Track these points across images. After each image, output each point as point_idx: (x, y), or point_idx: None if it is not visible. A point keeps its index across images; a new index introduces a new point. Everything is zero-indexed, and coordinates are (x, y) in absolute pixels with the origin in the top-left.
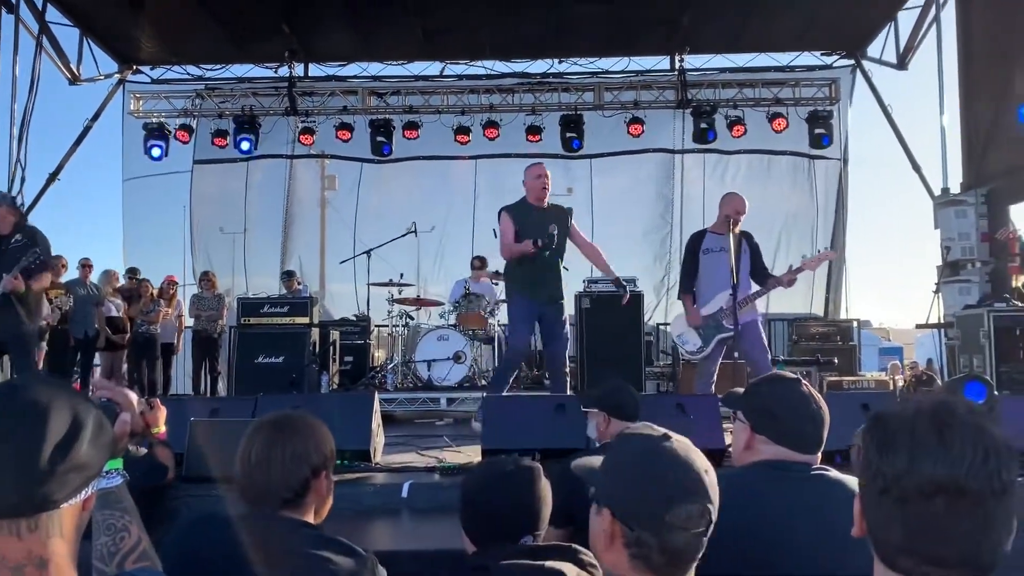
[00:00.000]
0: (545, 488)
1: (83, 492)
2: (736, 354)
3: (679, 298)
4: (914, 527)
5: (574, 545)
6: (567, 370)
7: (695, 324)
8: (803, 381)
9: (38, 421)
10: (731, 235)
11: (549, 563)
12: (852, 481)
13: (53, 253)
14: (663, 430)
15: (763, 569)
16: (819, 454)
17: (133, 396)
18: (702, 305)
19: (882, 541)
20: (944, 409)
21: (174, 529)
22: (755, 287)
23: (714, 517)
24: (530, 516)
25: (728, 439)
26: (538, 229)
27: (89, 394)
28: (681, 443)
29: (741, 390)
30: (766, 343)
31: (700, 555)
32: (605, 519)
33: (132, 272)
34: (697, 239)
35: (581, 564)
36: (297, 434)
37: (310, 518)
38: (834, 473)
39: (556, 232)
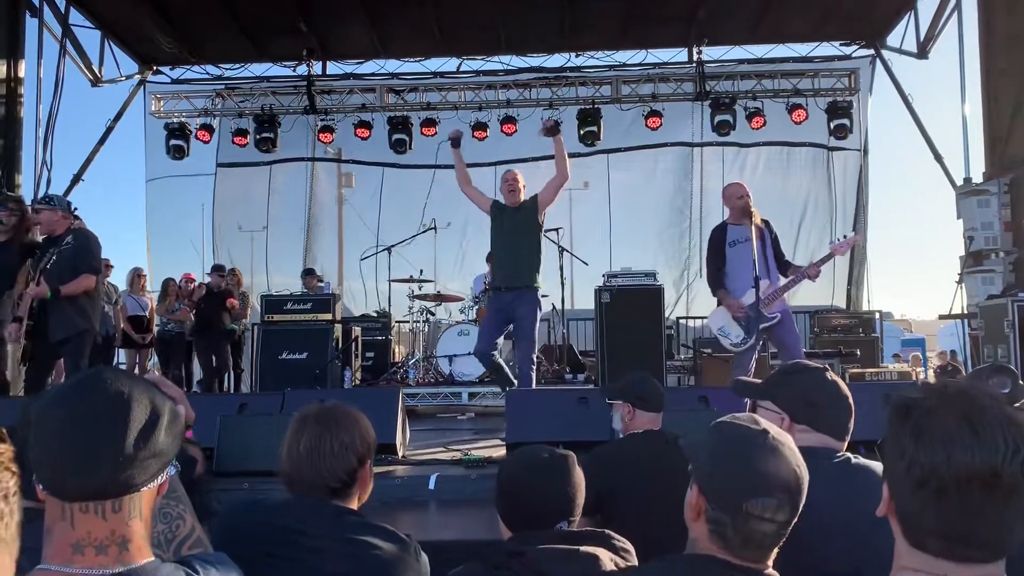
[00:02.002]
0: (579, 476)
1: (160, 477)
2: (764, 345)
3: (715, 294)
4: (949, 514)
5: (607, 531)
6: (531, 357)
7: (740, 314)
8: (828, 369)
9: (122, 410)
10: (751, 225)
11: (584, 548)
12: (876, 466)
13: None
14: (766, 425)
15: (808, 552)
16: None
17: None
18: (739, 295)
19: (913, 525)
20: (972, 399)
21: (222, 514)
22: (782, 278)
23: (795, 514)
24: (565, 503)
25: None
26: (511, 229)
27: None
28: (779, 440)
29: (757, 380)
30: (800, 336)
31: (778, 545)
32: (694, 493)
33: (218, 269)
34: (720, 232)
35: (614, 549)
36: (343, 425)
37: (354, 505)
38: (859, 459)
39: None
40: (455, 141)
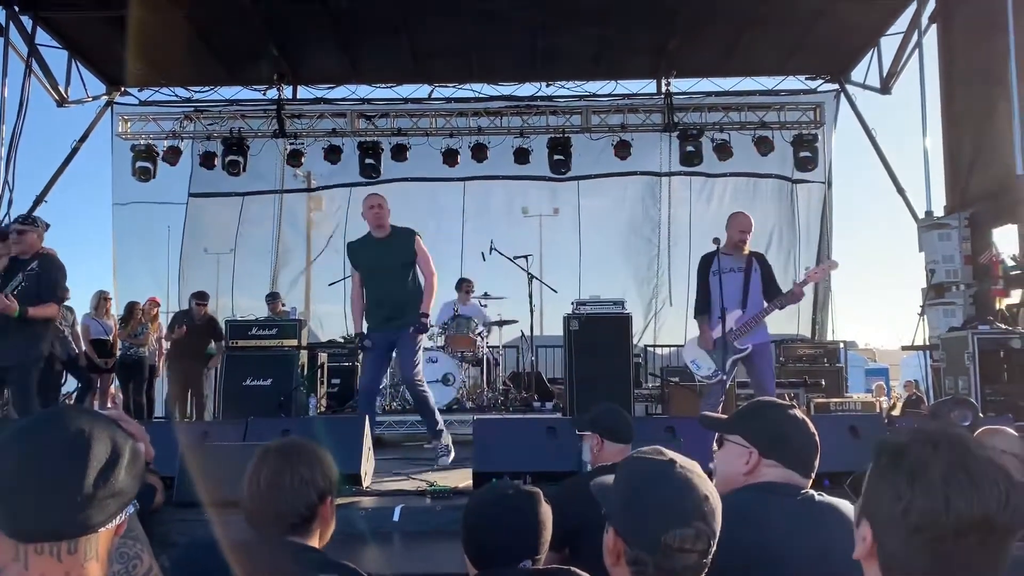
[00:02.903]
0: (546, 512)
1: (118, 517)
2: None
3: (695, 318)
4: (943, 562)
5: (573, 568)
6: (421, 390)
7: (707, 347)
8: (795, 406)
9: (82, 448)
10: (739, 258)
11: None
12: (840, 504)
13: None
14: (672, 455)
15: None
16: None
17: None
18: (713, 326)
19: (899, 570)
20: (965, 447)
21: (177, 554)
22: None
23: (713, 542)
24: (531, 540)
25: None
26: (377, 260)
27: None
28: (687, 469)
29: (723, 415)
30: (774, 368)
31: (702, 574)
32: (610, 536)
33: (200, 297)
34: (707, 260)
35: None
36: (305, 460)
37: (315, 542)
38: (824, 496)
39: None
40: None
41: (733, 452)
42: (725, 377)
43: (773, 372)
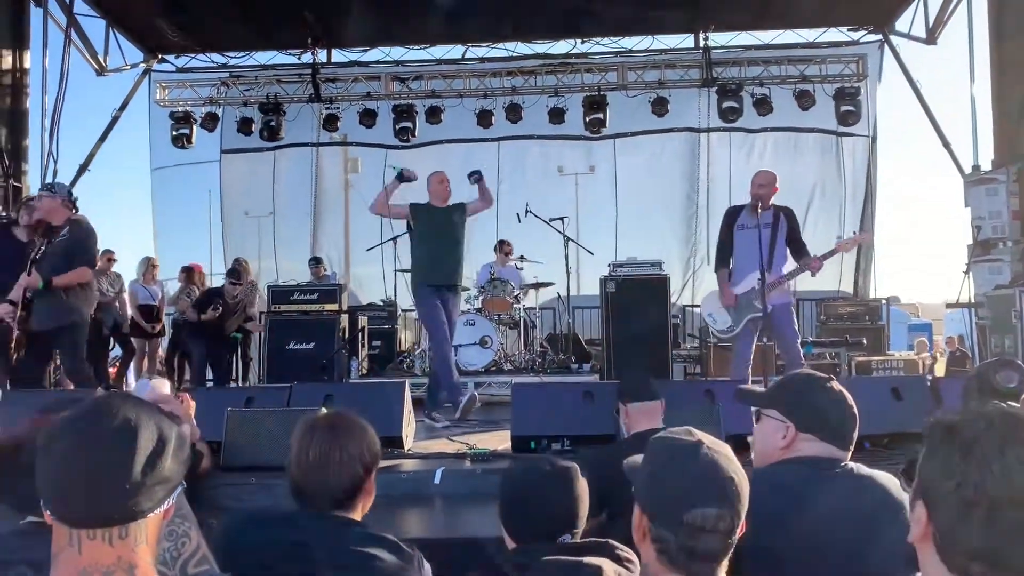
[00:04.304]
0: (582, 487)
1: (166, 503)
2: (764, 337)
3: (716, 272)
4: (999, 536)
5: (611, 541)
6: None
7: (728, 304)
8: (833, 378)
9: (129, 437)
10: (756, 214)
11: (587, 559)
12: (880, 475)
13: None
14: (700, 435)
15: (812, 563)
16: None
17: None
18: (735, 284)
19: (955, 548)
20: (1018, 421)
21: (222, 527)
22: (789, 267)
23: (738, 524)
24: (568, 516)
25: None
26: (439, 226)
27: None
28: (713, 450)
29: (760, 388)
30: (796, 327)
31: (726, 556)
32: (637, 513)
33: (233, 275)
34: (733, 213)
35: (618, 559)
36: (351, 435)
37: (358, 516)
38: (862, 467)
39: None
40: (405, 177)
41: (770, 427)
42: (739, 331)
43: (795, 334)
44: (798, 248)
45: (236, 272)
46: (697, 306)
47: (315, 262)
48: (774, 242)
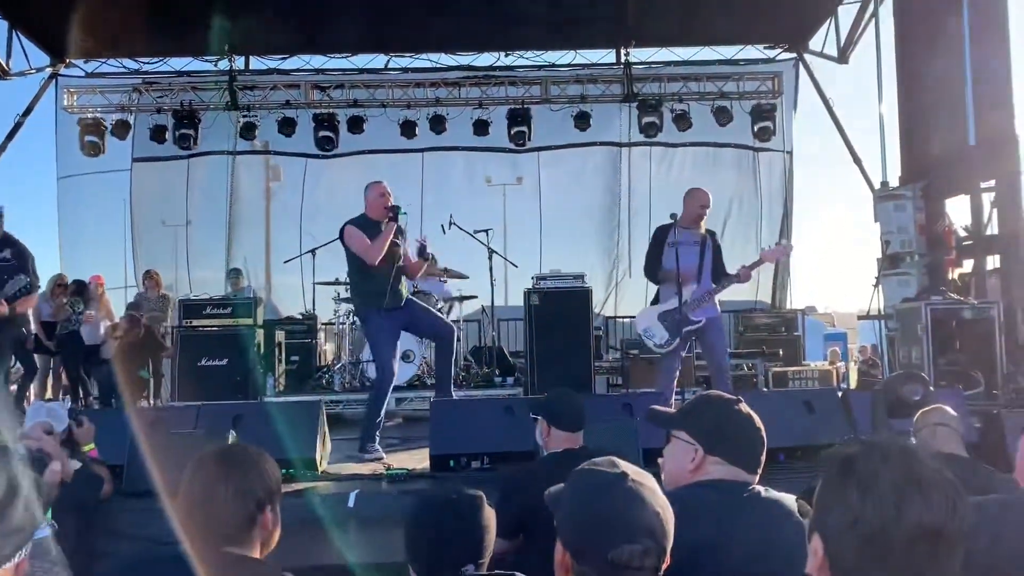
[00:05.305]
0: (488, 516)
1: (16, 556)
2: (690, 347)
3: (655, 282)
4: (894, 572)
5: (516, 574)
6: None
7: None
8: (742, 401)
9: None
10: (696, 230)
11: None
12: (786, 499)
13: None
14: (624, 467)
15: None
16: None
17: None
18: (667, 298)
19: None
20: (913, 457)
21: (110, 573)
22: (714, 285)
23: (663, 557)
24: (473, 546)
25: None
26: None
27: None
28: (638, 482)
29: (669, 410)
30: (726, 340)
31: None
32: (559, 550)
33: (133, 308)
34: (665, 230)
35: None
36: (241, 468)
37: (255, 552)
38: (770, 491)
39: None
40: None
41: (679, 448)
42: (680, 346)
43: (726, 345)
44: (720, 272)
45: (133, 305)
46: (621, 317)
47: (234, 273)
48: (703, 260)
